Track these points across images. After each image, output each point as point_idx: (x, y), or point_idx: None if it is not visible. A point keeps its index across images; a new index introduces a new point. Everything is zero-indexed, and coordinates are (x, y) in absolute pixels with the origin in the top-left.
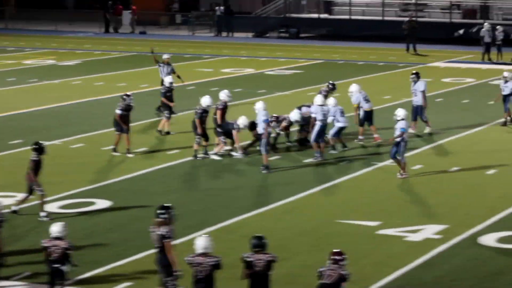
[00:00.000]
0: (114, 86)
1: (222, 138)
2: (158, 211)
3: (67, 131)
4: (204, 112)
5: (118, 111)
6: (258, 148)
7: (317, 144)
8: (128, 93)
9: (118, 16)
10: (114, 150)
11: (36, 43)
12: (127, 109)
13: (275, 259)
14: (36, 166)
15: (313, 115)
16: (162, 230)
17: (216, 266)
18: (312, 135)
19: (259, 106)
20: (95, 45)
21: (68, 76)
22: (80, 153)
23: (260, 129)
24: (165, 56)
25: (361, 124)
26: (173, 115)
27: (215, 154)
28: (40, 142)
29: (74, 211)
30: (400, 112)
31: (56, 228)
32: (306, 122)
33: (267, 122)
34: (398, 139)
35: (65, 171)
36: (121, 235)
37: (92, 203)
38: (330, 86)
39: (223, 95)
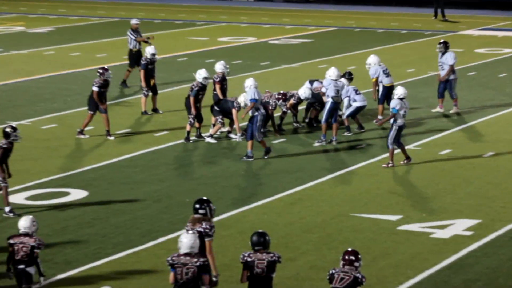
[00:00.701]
0: (93, 58)
1: (219, 118)
2: (196, 205)
3: (37, 110)
4: (201, 89)
5: (95, 88)
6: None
7: (327, 125)
8: (105, 66)
9: None
10: (81, 132)
11: (1, 7)
12: (105, 85)
13: (279, 260)
14: (3, 154)
15: (323, 90)
16: (201, 227)
17: (203, 268)
18: (324, 115)
19: (248, 83)
20: (70, 10)
21: (39, 45)
22: (52, 135)
23: (247, 109)
24: (133, 22)
25: (381, 101)
26: (150, 93)
27: (211, 136)
28: (12, 125)
29: (44, 203)
30: (398, 90)
31: (24, 223)
32: (317, 100)
33: (254, 102)
34: (391, 121)
35: (34, 156)
36: (99, 231)
37: (65, 194)
38: (347, 76)
39: (220, 66)
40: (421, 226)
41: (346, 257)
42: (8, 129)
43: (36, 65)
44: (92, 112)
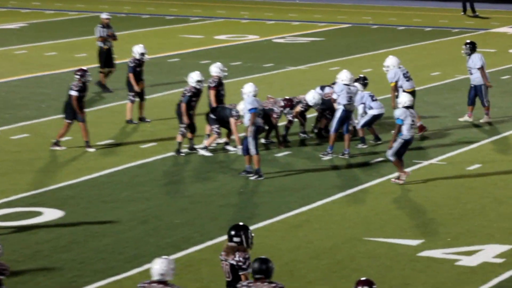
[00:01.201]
0: (71, 58)
1: (215, 127)
2: (231, 232)
3: (6, 118)
4: (194, 94)
5: (73, 92)
6: (262, 141)
7: (335, 136)
8: (83, 67)
9: None
10: (57, 143)
11: None
12: (84, 89)
13: None
14: None
15: (334, 96)
16: (234, 259)
17: None
18: (333, 124)
19: (247, 89)
20: (45, 3)
21: (9, 43)
22: (23, 146)
23: (245, 120)
24: (103, 16)
25: None
26: (137, 99)
27: (205, 148)
28: None
29: (13, 224)
30: (401, 98)
31: None
32: (328, 107)
33: (254, 112)
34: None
35: (2, 171)
36: (76, 256)
37: (37, 214)
38: (361, 81)
39: (215, 69)
40: (445, 252)
41: (360, 287)
42: None
43: (5, 66)
44: (69, 121)
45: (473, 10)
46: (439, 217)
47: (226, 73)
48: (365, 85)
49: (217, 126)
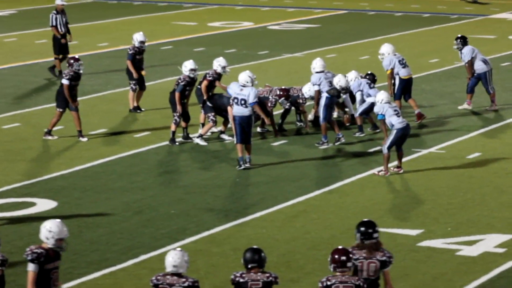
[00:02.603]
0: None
1: (211, 115)
2: (368, 230)
3: None
4: (188, 83)
5: (65, 81)
6: (258, 129)
7: (326, 125)
8: (76, 56)
9: None
10: (49, 132)
11: None
12: (76, 77)
13: (277, 281)
14: None
15: (315, 88)
16: (387, 254)
17: None
18: (321, 113)
19: (243, 78)
20: None
21: None
22: (15, 136)
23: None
24: (58, 2)
25: (397, 97)
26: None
27: (200, 137)
28: None
29: (5, 215)
30: (379, 96)
31: None
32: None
33: (256, 104)
34: (390, 126)
35: None
36: (69, 247)
37: (30, 204)
38: (369, 77)
39: (216, 64)
40: (446, 242)
41: (336, 257)
42: None
43: None
44: (61, 110)
45: None
46: (439, 207)
47: (227, 73)
48: (374, 81)
49: (212, 114)
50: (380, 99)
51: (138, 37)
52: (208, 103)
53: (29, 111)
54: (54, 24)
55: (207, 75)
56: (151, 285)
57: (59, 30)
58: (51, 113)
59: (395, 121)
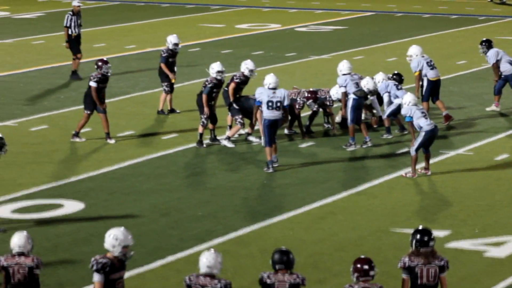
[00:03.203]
0: (90, 48)
1: (239, 117)
2: (424, 238)
3: (25, 109)
4: (215, 85)
5: (92, 83)
6: (285, 131)
7: (354, 126)
8: (104, 58)
9: None
10: (76, 134)
11: None
12: (104, 80)
13: (303, 282)
14: None
15: (342, 90)
16: (445, 259)
17: None
18: (348, 115)
19: (270, 79)
20: None
21: (26, 33)
22: (43, 138)
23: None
24: (75, 3)
25: (425, 99)
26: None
27: (228, 139)
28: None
29: (33, 216)
30: (406, 98)
31: (18, 241)
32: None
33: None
34: (418, 129)
35: (22, 163)
36: (96, 249)
37: (57, 206)
38: (396, 77)
39: (244, 66)
40: (473, 244)
41: (359, 266)
42: None
43: (22, 57)
44: (88, 112)
45: None
46: (467, 208)
47: (254, 77)
48: (401, 81)
49: (240, 116)
50: (408, 101)
51: (172, 39)
52: (234, 105)
53: (57, 113)
54: (68, 25)
55: (235, 77)
56: (184, 285)
57: (73, 31)
58: (78, 115)
59: (423, 123)
